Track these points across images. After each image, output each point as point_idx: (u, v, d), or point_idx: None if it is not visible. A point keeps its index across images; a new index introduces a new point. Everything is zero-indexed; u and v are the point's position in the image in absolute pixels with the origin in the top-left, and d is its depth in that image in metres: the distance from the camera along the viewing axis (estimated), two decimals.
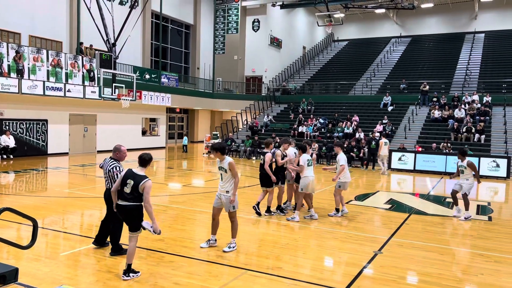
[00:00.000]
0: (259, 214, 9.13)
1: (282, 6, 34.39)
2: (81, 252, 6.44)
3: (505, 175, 16.90)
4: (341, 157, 9.33)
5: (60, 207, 9.60)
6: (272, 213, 9.24)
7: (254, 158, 22.39)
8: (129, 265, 5.41)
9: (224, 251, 6.52)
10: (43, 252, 6.42)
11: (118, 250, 6.25)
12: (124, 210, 5.43)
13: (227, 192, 6.51)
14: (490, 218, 9.75)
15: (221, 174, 6.59)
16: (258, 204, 9.22)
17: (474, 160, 17.42)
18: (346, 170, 9.40)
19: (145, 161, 5.57)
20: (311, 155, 9.57)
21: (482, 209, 10.79)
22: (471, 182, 9.60)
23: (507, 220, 9.81)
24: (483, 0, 36.45)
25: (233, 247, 6.62)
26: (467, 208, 9.51)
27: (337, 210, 9.41)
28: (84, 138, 22.82)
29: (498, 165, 17.08)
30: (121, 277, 5.39)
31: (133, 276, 5.41)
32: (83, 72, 20.47)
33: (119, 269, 5.66)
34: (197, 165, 20.12)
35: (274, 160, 9.26)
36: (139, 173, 5.47)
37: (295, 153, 9.47)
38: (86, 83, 20.58)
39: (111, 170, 6.15)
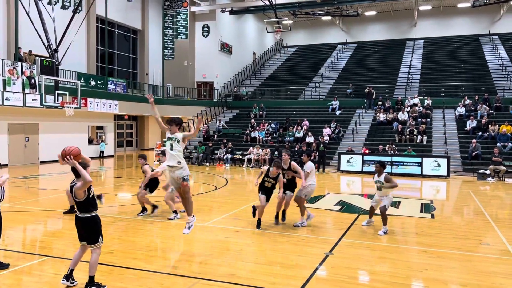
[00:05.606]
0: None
1: (232, 12, 34.56)
2: (23, 270, 6.07)
3: (445, 174, 17.85)
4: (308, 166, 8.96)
5: None
6: None
7: (207, 164, 22.21)
8: (91, 277, 5.22)
9: (184, 234, 6.46)
10: None
11: None
12: (80, 221, 5.29)
13: (179, 162, 6.44)
14: (433, 216, 10.23)
15: (171, 144, 6.48)
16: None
17: (417, 160, 18.44)
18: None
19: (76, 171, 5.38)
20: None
21: (426, 207, 11.32)
22: None
23: (448, 217, 10.35)
24: (422, 9, 38.56)
25: (192, 226, 6.50)
26: None
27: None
28: (25, 149, 21.61)
29: (439, 165, 18.02)
30: None
31: None
32: (22, 79, 19.41)
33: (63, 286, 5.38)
34: None
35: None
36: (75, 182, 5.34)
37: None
38: (27, 90, 19.54)
39: None
